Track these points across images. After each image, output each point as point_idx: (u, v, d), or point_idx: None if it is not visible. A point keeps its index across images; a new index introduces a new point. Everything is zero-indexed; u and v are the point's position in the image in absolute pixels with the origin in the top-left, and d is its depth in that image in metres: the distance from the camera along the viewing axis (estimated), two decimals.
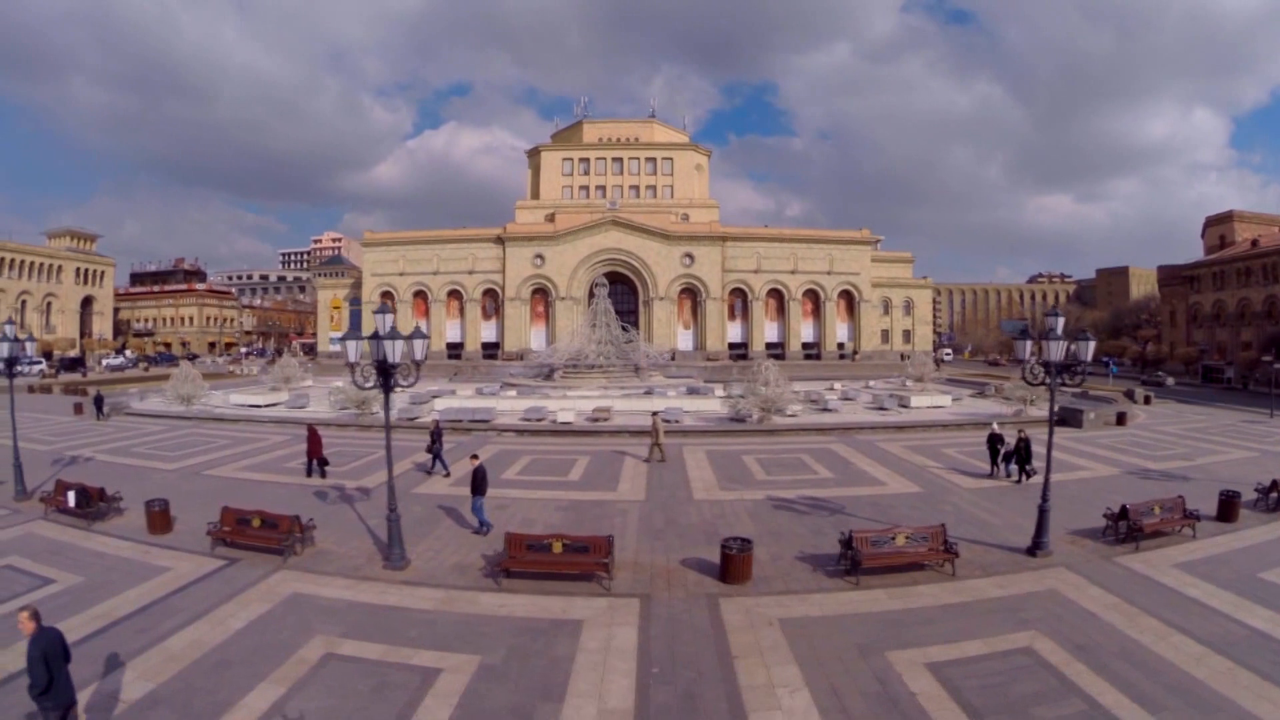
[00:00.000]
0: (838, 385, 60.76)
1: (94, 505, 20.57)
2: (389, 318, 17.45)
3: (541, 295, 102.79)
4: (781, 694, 10.83)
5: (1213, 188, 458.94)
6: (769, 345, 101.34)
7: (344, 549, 18.06)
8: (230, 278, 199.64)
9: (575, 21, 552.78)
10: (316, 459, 26.89)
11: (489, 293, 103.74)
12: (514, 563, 15.69)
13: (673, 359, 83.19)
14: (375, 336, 16.73)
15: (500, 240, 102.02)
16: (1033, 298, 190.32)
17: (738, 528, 18.98)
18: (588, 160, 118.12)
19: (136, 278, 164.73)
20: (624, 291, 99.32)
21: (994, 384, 56.31)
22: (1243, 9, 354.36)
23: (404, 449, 31.60)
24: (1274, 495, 21.54)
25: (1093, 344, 18.04)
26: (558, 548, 15.72)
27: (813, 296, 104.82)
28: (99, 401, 45.07)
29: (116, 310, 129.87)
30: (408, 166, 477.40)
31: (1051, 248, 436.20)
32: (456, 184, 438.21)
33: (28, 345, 25.58)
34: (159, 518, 19.50)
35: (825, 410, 44.99)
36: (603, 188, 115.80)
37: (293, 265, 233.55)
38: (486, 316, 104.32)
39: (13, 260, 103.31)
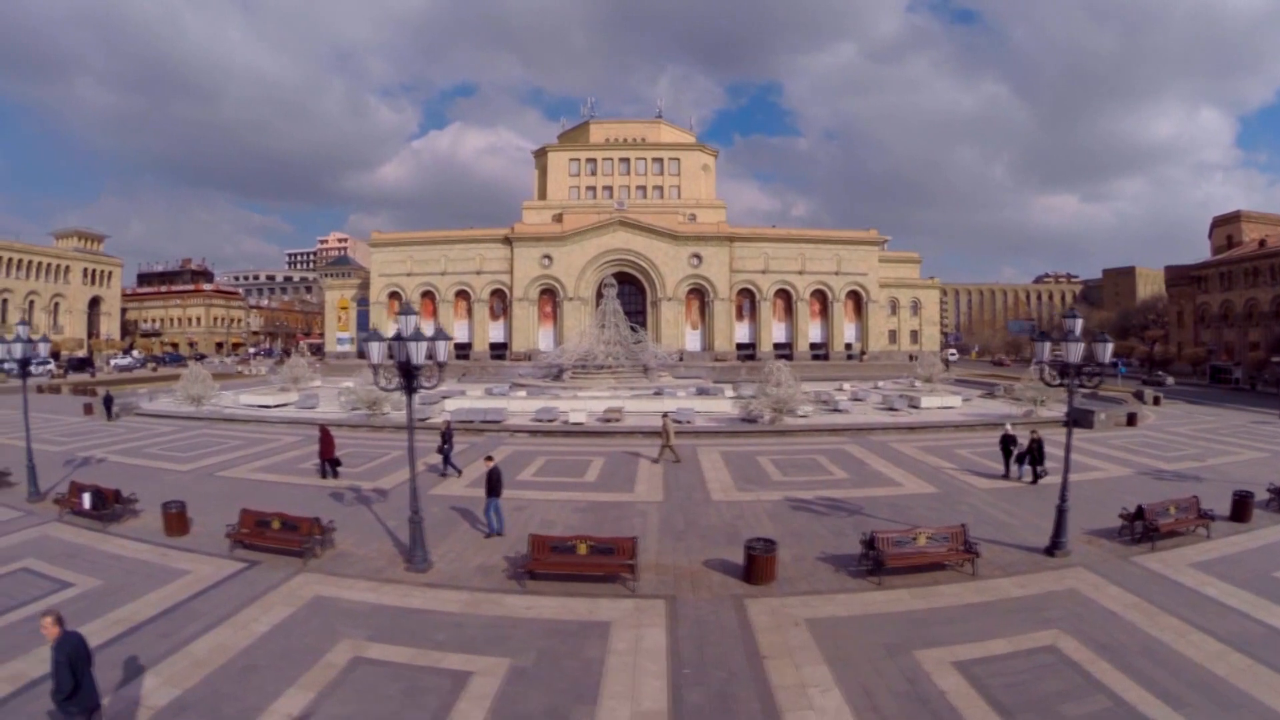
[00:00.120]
0: (847, 386, 60.91)
1: (110, 507, 20.45)
2: (412, 319, 17.27)
3: (549, 295, 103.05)
4: (813, 694, 10.98)
5: (1219, 187, 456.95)
6: (777, 346, 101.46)
7: (364, 551, 18.08)
8: (237, 278, 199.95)
9: (580, 22, 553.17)
10: (328, 460, 26.90)
11: (497, 293, 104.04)
12: (538, 564, 15.72)
13: (680, 359, 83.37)
14: (398, 338, 16.63)
15: (508, 241, 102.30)
16: (1039, 298, 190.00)
17: (758, 529, 19.12)
18: (595, 161, 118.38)
19: (144, 278, 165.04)
20: (631, 292, 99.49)
21: (1003, 385, 56.34)
22: (1249, 8, 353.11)
23: (418, 450, 31.69)
24: None
25: (1110, 345, 18.23)
26: (583, 549, 15.79)
27: (820, 297, 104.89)
28: (108, 402, 45.11)
29: (124, 310, 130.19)
30: (413, 167, 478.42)
31: (1057, 248, 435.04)
32: (462, 184, 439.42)
33: (41, 346, 25.25)
34: (176, 519, 19.43)
35: (836, 411, 45.10)
36: (610, 188, 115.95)
37: (299, 266, 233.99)
38: (494, 317, 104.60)
39: (20, 260, 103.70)
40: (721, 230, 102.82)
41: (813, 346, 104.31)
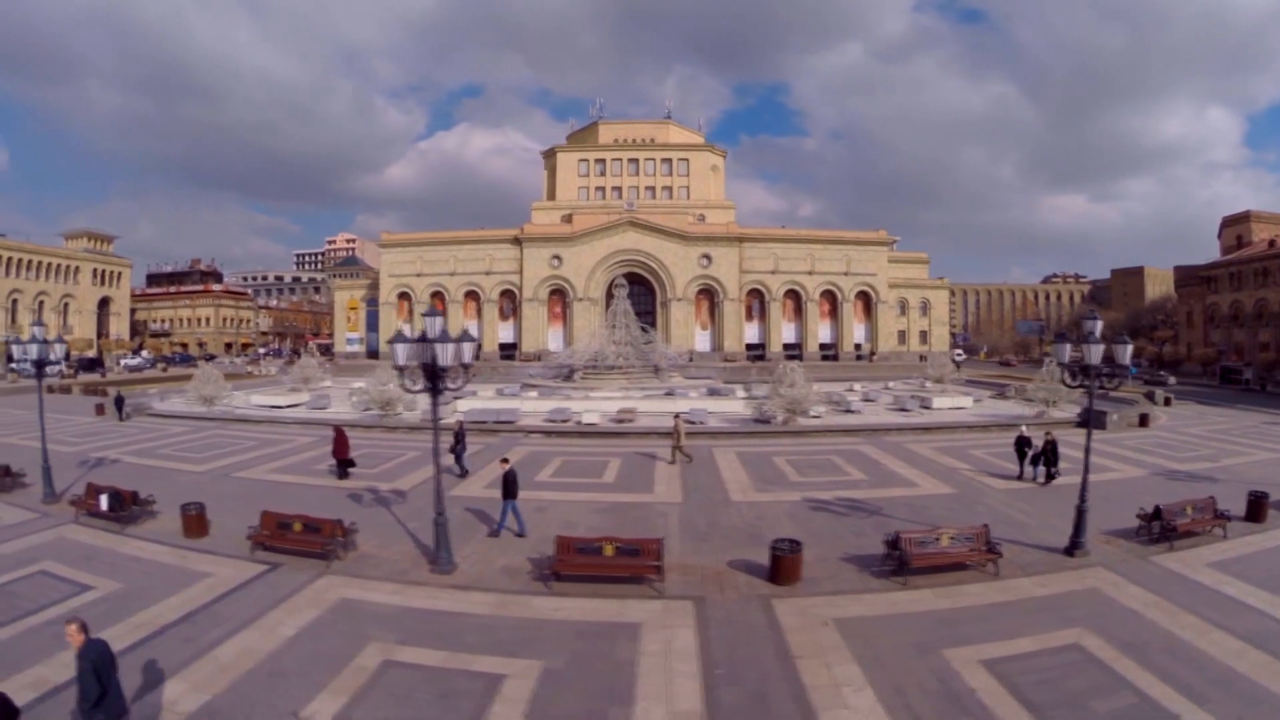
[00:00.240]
0: (857, 386, 60.89)
1: (127, 509, 20.28)
2: (438, 320, 17.18)
3: (559, 296, 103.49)
4: (847, 693, 11.13)
5: (1227, 187, 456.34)
6: (786, 346, 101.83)
7: (387, 552, 18.03)
8: (245, 278, 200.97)
9: (587, 22, 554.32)
10: (341, 460, 26.90)
11: (506, 293, 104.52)
12: (564, 566, 15.76)
13: (690, 360, 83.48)
14: (424, 339, 16.50)
15: (517, 241, 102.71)
16: (1047, 298, 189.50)
17: (779, 529, 19.21)
18: (604, 161, 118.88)
19: (153, 278, 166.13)
20: (641, 292, 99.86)
21: (1014, 385, 56.36)
22: (1257, 6, 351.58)
23: (430, 451, 31.78)
24: None
25: (1130, 347, 18.42)
26: (609, 550, 15.78)
27: (830, 297, 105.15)
28: (120, 402, 45.19)
29: (133, 311, 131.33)
30: (420, 168, 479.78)
31: (1065, 248, 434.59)
32: (469, 185, 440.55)
33: (56, 347, 25.06)
34: (195, 521, 19.25)
35: (848, 412, 45.22)
36: (619, 189, 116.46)
37: (307, 266, 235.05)
38: (504, 317, 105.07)
39: (30, 261, 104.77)
40: (731, 231, 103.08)
41: (822, 347, 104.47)
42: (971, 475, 27.41)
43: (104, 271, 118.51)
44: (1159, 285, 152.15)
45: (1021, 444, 26.80)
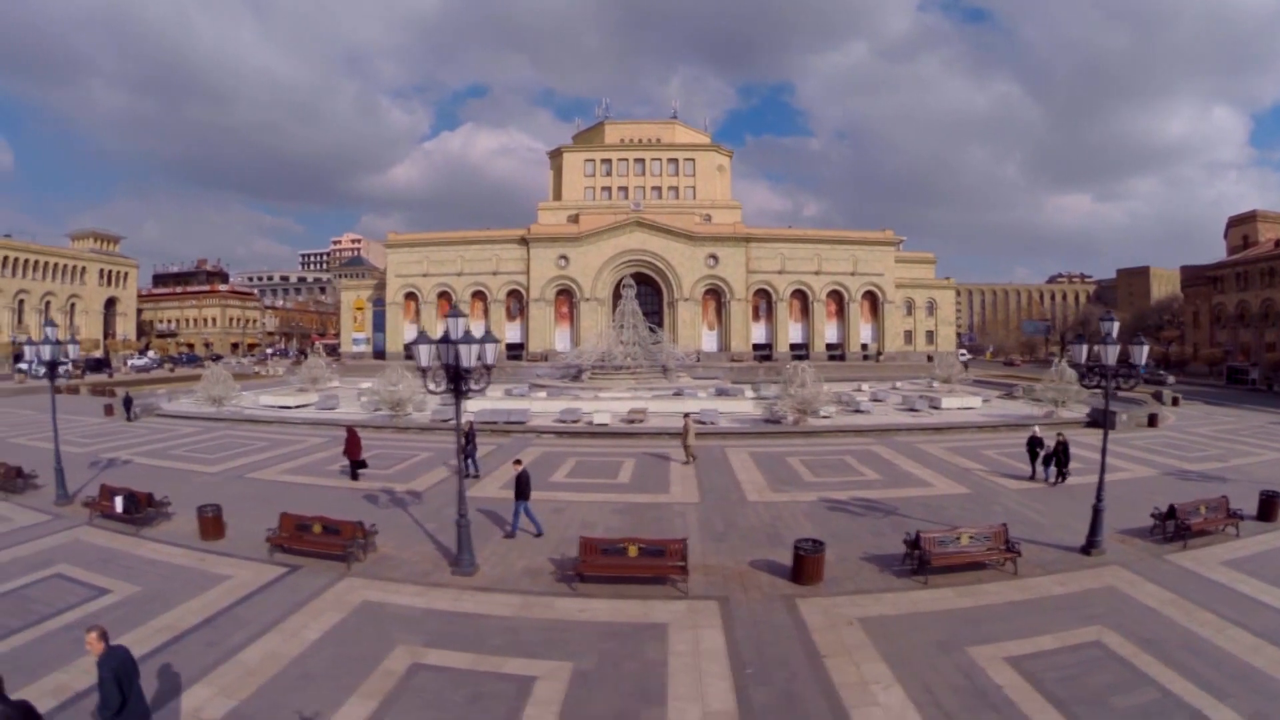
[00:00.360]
0: (865, 386, 61.03)
1: (142, 510, 20.17)
2: (461, 321, 16.95)
3: (566, 296, 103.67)
4: (876, 690, 11.33)
5: (1233, 186, 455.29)
6: (793, 346, 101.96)
7: (407, 554, 18.02)
8: (251, 279, 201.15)
9: (591, 23, 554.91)
10: (353, 461, 26.89)
11: (513, 293, 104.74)
12: (588, 567, 15.80)
13: (698, 360, 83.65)
14: (446, 340, 16.40)
15: (524, 241, 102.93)
16: (1053, 298, 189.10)
17: (797, 529, 19.44)
18: (610, 161, 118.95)
19: (159, 279, 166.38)
20: (648, 292, 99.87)
21: (1022, 385, 56.47)
22: (1261, 5, 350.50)
23: (443, 451, 32.23)
24: None
25: (1146, 348, 18.65)
26: (633, 551, 15.82)
27: (837, 297, 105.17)
28: (128, 403, 45.29)
29: (139, 311, 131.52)
30: (425, 168, 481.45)
31: (1070, 247, 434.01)
32: (473, 185, 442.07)
33: (70, 348, 25.06)
34: (211, 523, 19.15)
35: (857, 412, 45.35)
36: (625, 189, 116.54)
37: (312, 266, 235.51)
38: (511, 317, 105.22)
39: (37, 261, 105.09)
40: (738, 231, 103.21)
41: (829, 347, 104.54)
42: (984, 475, 27.61)
43: (110, 272, 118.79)
44: (1165, 285, 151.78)
45: (1034, 444, 27.02)
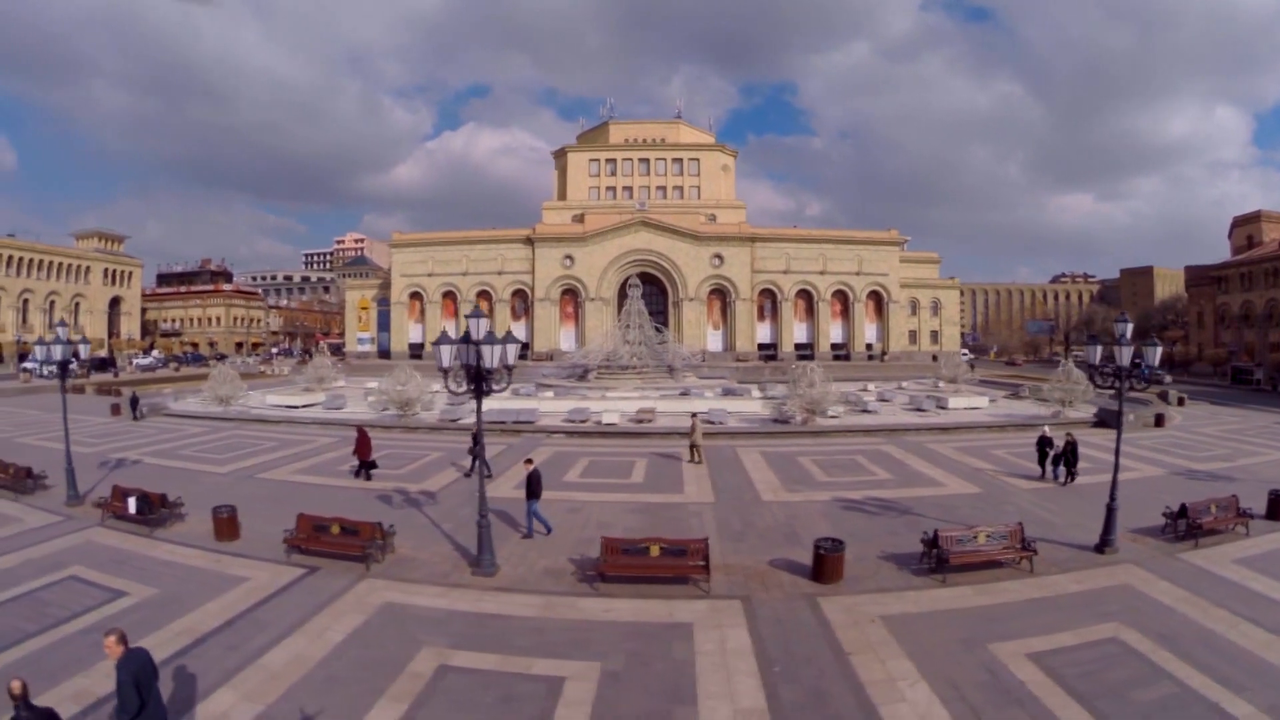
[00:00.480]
0: (871, 386, 61.18)
1: (156, 511, 19.98)
2: (483, 321, 17.09)
3: (571, 296, 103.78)
4: (902, 686, 11.54)
5: (1235, 186, 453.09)
6: (798, 346, 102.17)
7: (425, 555, 18.02)
8: (254, 278, 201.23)
9: (593, 22, 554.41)
10: (363, 461, 26.88)
11: (518, 293, 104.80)
12: (610, 567, 15.84)
13: (703, 360, 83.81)
14: (467, 340, 16.35)
15: (529, 241, 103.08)
16: (1056, 298, 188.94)
17: (814, 529, 19.60)
18: (614, 161, 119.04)
19: (163, 278, 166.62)
20: (653, 292, 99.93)
21: (1028, 385, 56.64)
22: (1264, 4, 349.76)
23: (453, 451, 32.25)
24: None
25: (1159, 349, 18.90)
26: (655, 551, 15.85)
27: (842, 297, 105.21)
28: (134, 402, 45.35)
29: (144, 310, 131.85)
30: (427, 168, 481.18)
31: (1073, 247, 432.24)
32: (476, 185, 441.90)
33: (81, 348, 24.92)
34: (226, 524, 19.01)
35: (865, 412, 45.55)
36: (630, 189, 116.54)
37: (316, 266, 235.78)
38: (516, 317, 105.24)
39: (42, 261, 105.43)
40: (743, 230, 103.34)
41: (834, 347, 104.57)
42: (995, 475, 27.85)
43: (115, 271, 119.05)
44: (1168, 285, 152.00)
45: (1043, 444, 27.26)
